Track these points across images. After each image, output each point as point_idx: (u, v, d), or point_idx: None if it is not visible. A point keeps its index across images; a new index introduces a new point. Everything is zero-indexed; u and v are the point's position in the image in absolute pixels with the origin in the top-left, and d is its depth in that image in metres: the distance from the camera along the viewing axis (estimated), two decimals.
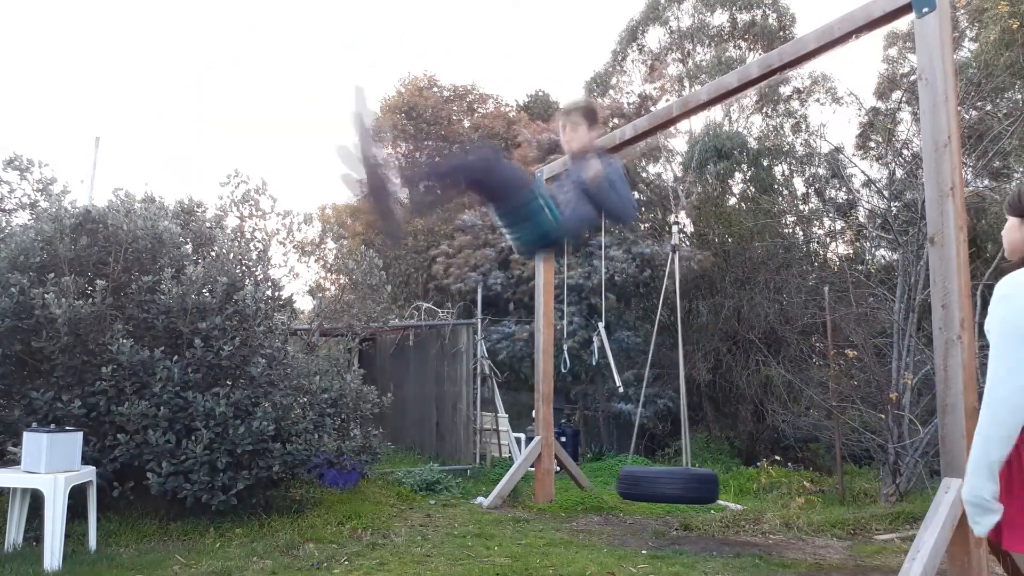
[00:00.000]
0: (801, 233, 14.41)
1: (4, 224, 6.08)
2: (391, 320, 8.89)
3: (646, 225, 15.42)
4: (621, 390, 9.41)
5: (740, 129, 16.54)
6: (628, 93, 17.85)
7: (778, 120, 16.12)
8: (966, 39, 11.65)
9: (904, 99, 11.56)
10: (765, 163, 15.33)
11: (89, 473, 4.72)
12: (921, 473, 7.14)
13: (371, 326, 8.24)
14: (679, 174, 15.32)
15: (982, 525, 1.94)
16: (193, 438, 5.15)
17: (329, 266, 8.25)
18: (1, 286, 5.10)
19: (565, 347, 8.10)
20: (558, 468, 7.77)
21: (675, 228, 6.94)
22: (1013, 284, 2.02)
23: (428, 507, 6.81)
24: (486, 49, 37.29)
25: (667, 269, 6.69)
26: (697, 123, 16.68)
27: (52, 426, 4.74)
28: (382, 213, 3.26)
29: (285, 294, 6.50)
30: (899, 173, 9.48)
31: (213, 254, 6.17)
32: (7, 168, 6.06)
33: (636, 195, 15.48)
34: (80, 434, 4.65)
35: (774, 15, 17.34)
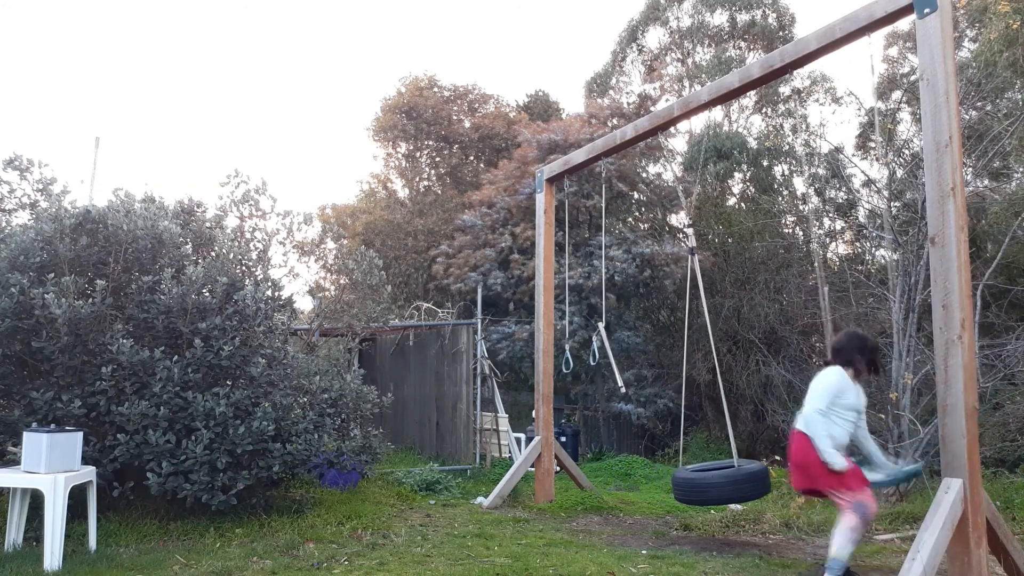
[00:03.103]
0: (801, 233, 14.42)
1: (4, 224, 6.07)
2: (391, 320, 8.88)
3: (646, 225, 15.42)
4: (623, 390, 9.39)
5: (740, 129, 16.55)
6: (628, 93, 17.87)
7: (778, 120, 16.13)
8: (966, 39, 11.66)
9: (904, 99, 11.57)
10: (765, 163, 15.34)
11: (89, 473, 4.72)
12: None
13: (371, 326, 8.23)
14: (679, 174, 15.31)
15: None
16: (193, 438, 5.15)
17: (329, 266, 8.23)
18: (1, 286, 5.10)
19: (567, 347, 8.08)
20: (558, 468, 7.77)
21: (690, 231, 6.90)
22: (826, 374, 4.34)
23: (428, 507, 6.81)
24: (486, 49, 37.29)
25: (688, 271, 6.65)
26: (697, 123, 16.70)
27: (52, 426, 4.74)
28: None
29: (285, 294, 6.49)
30: (899, 173, 9.48)
31: (213, 254, 6.16)
32: (7, 168, 6.05)
33: (636, 195, 15.48)
34: (80, 434, 4.64)
35: (774, 15, 17.36)
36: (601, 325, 7.98)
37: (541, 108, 20.60)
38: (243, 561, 4.45)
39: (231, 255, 6.14)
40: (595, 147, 7.34)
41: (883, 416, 7.54)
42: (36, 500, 4.66)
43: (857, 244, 13.30)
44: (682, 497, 5.82)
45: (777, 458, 10.67)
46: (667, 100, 16.04)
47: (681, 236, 13.91)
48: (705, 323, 6.58)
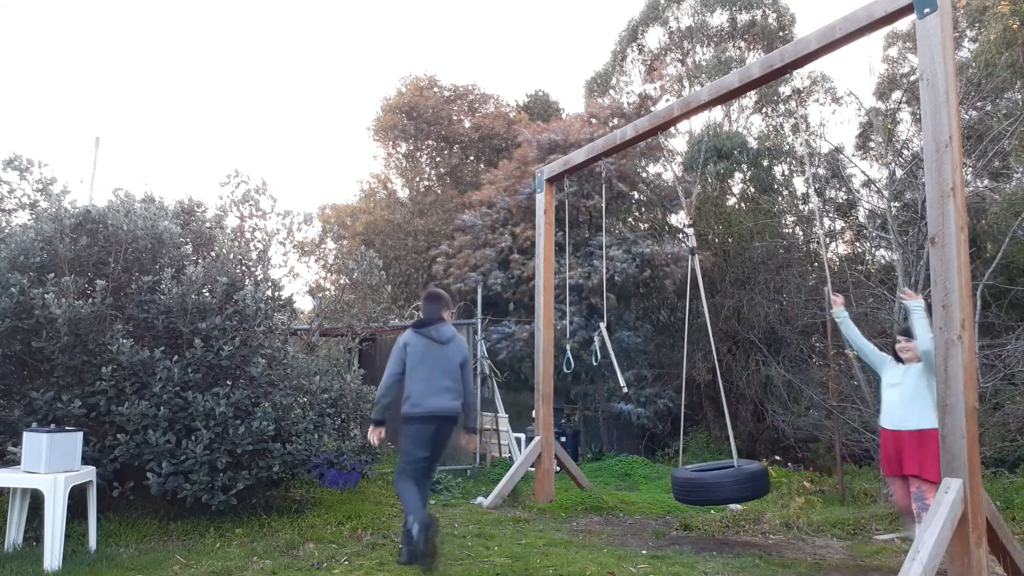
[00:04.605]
0: (801, 233, 14.41)
1: (4, 224, 6.07)
2: (391, 320, 8.88)
3: (646, 225, 15.42)
4: (625, 390, 9.37)
5: (740, 129, 16.55)
6: (628, 93, 17.87)
7: (778, 120, 16.13)
8: (966, 39, 11.66)
9: (904, 99, 11.57)
10: (765, 163, 15.33)
11: (89, 473, 4.72)
12: None
13: (371, 326, 8.22)
14: (680, 174, 15.31)
15: None
16: (193, 438, 5.15)
17: (329, 266, 8.23)
18: (1, 286, 5.10)
19: (567, 347, 8.08)
20: (558, 468, 7.77)
21: (691, 231, 6.92)
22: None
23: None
24: (486, 49, 37.31)
25: (688, 271, 6.65)
26: (697, 123, 16.70)
27: (52, 426, 4.74)
28: None
29: (285, 294, 6.48)
30: (899, 173, 9.48)
31: (213, 254, 6.16)
32: (7, 168, 6.05)
33: (636, 195, 15.48)
34: (80, 434, 4.64)
35: (774, 15, 17.36)
36: (602, 325, 7.97)
37: (541, 108, 20.60)
38: (243, 561, 4.45)
39: (231, 255, 6.14)
40: (595, 147, 7.34)
41: None
42: (36, 500, 4.66)
43: (857, 244, 13.30)
44: (682, 497, 5.82)
45: (777, 458, 10.67)
46: (667, 100, 16.05)
47: (681, 236, 13.91)
48: (705, 323, 6.57)
